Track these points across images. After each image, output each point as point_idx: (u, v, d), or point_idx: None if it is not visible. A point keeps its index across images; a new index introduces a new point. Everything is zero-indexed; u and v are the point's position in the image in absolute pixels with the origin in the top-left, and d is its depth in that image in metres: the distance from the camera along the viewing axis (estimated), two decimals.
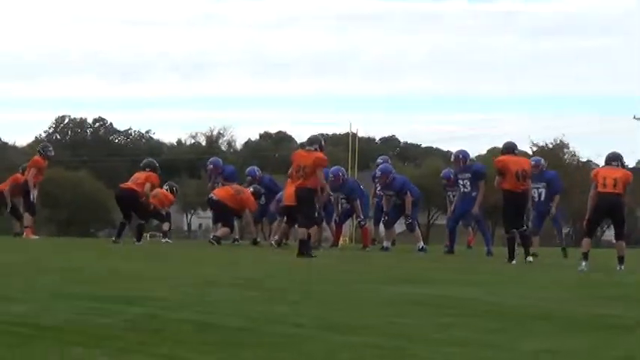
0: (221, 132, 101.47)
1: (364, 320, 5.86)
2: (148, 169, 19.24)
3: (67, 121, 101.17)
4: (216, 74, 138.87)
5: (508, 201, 14.72)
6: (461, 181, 18.58)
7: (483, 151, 73.41)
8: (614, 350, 4.98)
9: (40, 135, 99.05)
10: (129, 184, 19.14)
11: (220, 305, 6.48)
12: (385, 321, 5.82)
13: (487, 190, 18.86)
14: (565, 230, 19.84)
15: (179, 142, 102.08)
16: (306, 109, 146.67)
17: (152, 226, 23.23)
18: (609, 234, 48.38)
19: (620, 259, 13.49)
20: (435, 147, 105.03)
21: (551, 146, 65.86)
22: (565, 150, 68.60)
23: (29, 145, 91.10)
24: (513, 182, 14.58)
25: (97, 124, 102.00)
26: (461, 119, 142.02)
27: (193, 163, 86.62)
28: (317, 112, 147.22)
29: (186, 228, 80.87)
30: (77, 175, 71.40)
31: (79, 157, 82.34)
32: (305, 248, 14.34)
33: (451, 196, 20.82)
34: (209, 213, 24.31)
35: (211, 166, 22.07)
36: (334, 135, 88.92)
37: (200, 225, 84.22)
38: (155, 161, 19.91)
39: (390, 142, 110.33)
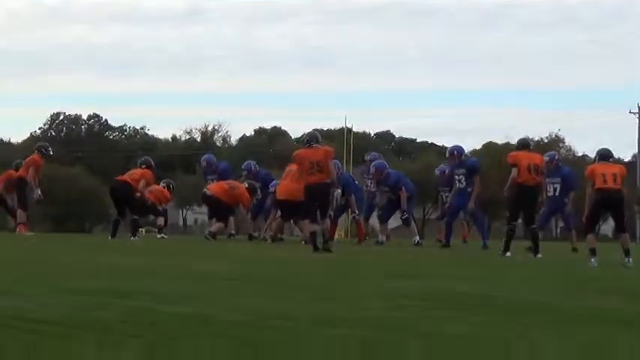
0: (216, 128, 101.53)
1: (359, 314, 5.87)
2: (143, 166, 19.30)
3: (61, 117, 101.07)
4: (210, 70, 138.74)
5: (519, 194, 14.74)
6: (456, 177, 18.64)
7: (478, 146, 73.53)
8: (611, 344, 4.99)
9: (35, 132, 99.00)
10: (124, 176, 19.21)
11: (216, 299, 6.50)
12: (380, 315, 5.84)
13: (482, 185, 18.91)
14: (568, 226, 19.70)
15: (174, 137, 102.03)
16: (301, 105, 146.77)
17: (149, 220, 23.20)
18: (605, 228, 48.44)
19: (627, 252, 13.43)
20: (430, 142, 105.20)
21: (546, 141, 66.00)
22: (560, 145, 68.77)
23: (24, 142, 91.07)
24: (525, 176, 14.64)
25: (92, 120, 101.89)
26: (456, 114, 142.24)
27: (188, 159, 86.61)
28: (312, 108, 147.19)
29: (181, 223, 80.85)
30: (72, 171, 71.31)
31: (74, 154, 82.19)
32: (325, 243, 14.53)
33: (444, 196, 20.93)
34: (204, 209, 24.33)
35: (205, 163, 22.08)
36: (329, 130, 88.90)
37: (196, 220, 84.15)
38: (151, 160, 19.98)
39: (385, 137, 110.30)
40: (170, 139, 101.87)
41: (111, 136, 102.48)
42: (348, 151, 54.68)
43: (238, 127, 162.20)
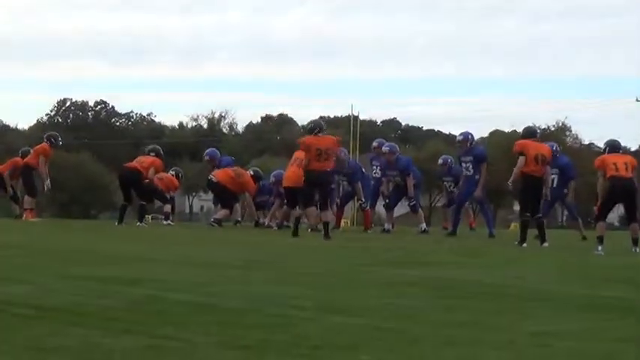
0: (222, 115, 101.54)
1: (364, 302, 5.88)
2: (152, 154, 19.31)
3: (68, 104, 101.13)
4: (217, 57, 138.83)
5: (526, 185, 14.68)
6: (464, 164, 18.58)
7: (485, 134, 73.51)
8: (613, 332, 4.99)
9: (42, 118, 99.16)
10: (133, 163, 19.22)
11: (221, 287, 6.50)
12: (385, 302, 5.84)
13: (489, 173, 18.88)
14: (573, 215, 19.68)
15: (181, 125, 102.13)
16: (308, 92, 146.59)
17: (155, 207, 23.23)
18: (611, 217, 48.37)
19: (635, 241, 13.46)
20: (436, 130, 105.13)
21: (553, 129, 65.90)
22: (567, 133, 68.67)
23: (30, 128, 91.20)
24: (532, 166, 14.56)
25: (99, 106, 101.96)
26: (463, 102, 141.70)
27: (195, 146, 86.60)
28: (318, 95, 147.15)
29: (188, 210, 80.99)
30: (79, 158, 71.44)
31: (80, 140, 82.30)
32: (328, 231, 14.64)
33: (447, 185, 21.01)
34: (211, 195, 24.34)
35: (207, 157, 22.06)
36: (335, 117, 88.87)
37: (202, 207, 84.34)
38: (160, 148, 19.98)
39: (392, 124, 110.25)
40: (177, 126, 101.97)
41: (117, 123, 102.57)
42: (354, 139, 54.61)
43: (245, 115, 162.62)
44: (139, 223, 18.54)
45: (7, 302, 5.28)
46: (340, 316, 5.15)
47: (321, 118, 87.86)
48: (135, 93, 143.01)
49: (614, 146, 13.97)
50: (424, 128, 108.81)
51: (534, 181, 14.59)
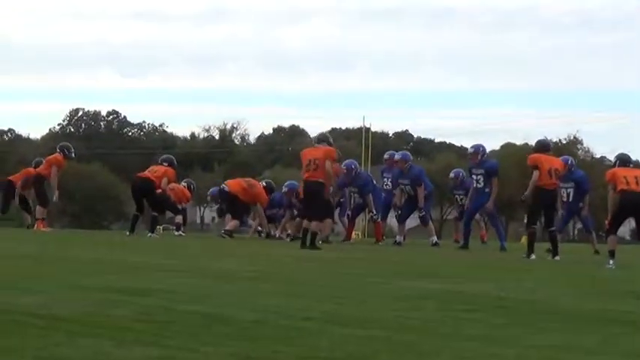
0: (234, 126, 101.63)
1: (373, 314, 5.87)
2: (165, 164, 19.31)
3: (80, 114, 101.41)
4: (229, 68, 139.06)
5: (538, 198, 14.64)
6: (474, 177, 18.57)
7: (497, 147, 73.41)
8: (623, 346, 4.98)
9: (54, 128, 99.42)
10: (146, 173, 19.24)
11: (232, 298, 6.50)
12: (395, 315, 5.83)
13: (500, 186, 18.86)
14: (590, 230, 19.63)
15: (192, 135, 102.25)
16: (320, 104, 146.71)
17: (166, 218, 23.27)
18: (622, 230, 48.21)
19: None
20: (448, 142, 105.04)
21: (564, 142, 65.80)
22: (579, 146, 68.54)
23: (43, 138, 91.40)
24: (545, 179, 14.56)
25: (111, 117, 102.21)
26: (475, 114, 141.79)
27: (207, 157, 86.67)
28: (330, 107, 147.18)
29: (199, 221, 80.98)
30: (90, 168, 71.60)
31: (92, 150, 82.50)
32: (314, 241, 14.61)
33: (458, 198, 21.05)
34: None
35: (211, 195, 22.54)
36: (347, 129, 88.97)
37: (213, 218, 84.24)
38: (174, 158, 19.99)
39: (404, 136, 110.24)
40: (189, 137, 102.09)
41: (129, 133, 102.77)
42: (366, 151, 54.58)
43: (257, 126, 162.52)
44: (150, 234, 18.57)
45: (18, 312, 5.29)
46: (350, 328, 5.15)
47: (333, 129, 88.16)
48: (147, 103, 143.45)
49: (624, 160, 13.98)
50: (436, 140, 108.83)
51: (547, 194, 14.58)
